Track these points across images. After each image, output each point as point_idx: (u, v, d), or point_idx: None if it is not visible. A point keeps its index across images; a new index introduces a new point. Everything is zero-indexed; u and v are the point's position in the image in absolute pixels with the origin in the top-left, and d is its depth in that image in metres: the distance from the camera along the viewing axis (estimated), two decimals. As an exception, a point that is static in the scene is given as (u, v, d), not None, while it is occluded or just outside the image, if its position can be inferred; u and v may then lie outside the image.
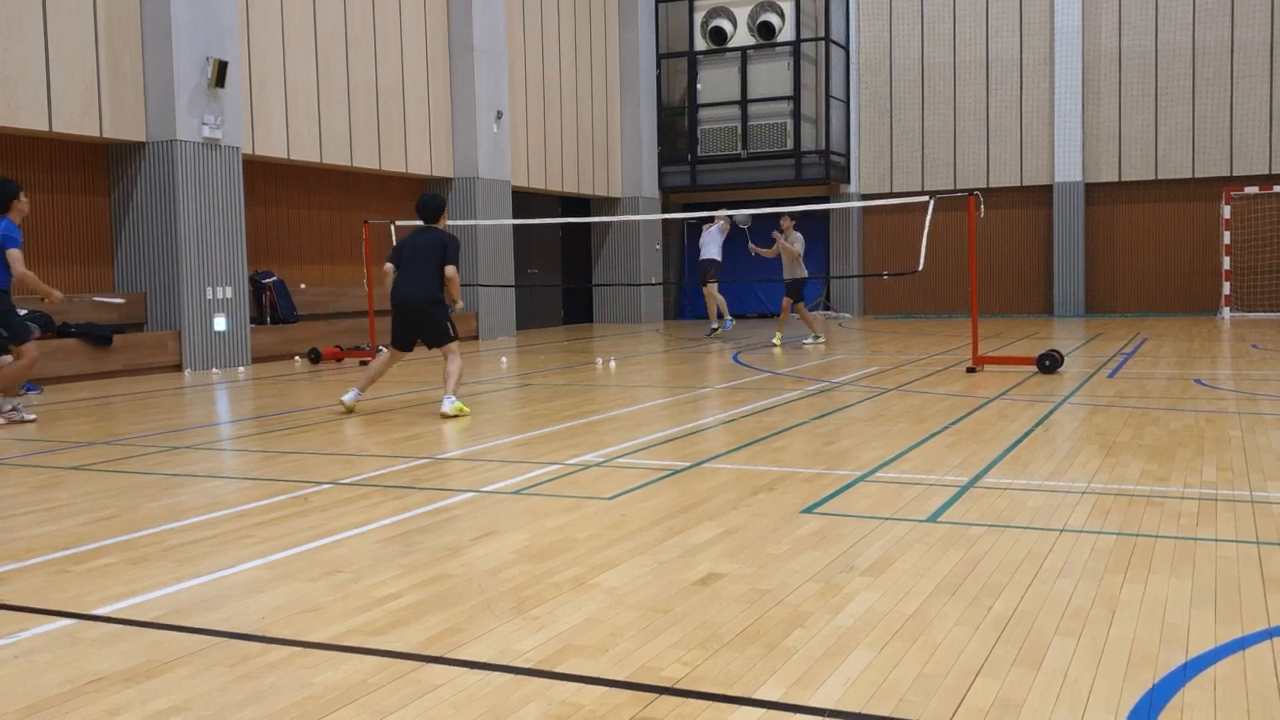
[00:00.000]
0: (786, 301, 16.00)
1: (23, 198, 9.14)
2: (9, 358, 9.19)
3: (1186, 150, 22.44)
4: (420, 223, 9.16)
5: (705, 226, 17.92)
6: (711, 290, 17.78)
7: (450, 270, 8.83)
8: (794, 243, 15.42)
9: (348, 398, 9.10)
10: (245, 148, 14.55)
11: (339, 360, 14.80)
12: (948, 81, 23.94)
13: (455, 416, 8.66)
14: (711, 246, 17.62)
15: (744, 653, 3.22)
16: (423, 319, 8.93)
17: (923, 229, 11.72)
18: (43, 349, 11.78)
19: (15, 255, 8.92)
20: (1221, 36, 22.03)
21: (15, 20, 11.95)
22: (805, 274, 15.64)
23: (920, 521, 4.81)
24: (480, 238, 18.92)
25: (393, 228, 15.48)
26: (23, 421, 9.05)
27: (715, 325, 17.86)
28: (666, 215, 17.37)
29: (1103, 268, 23.29)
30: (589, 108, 23.00)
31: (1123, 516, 4.84)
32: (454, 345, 9.00)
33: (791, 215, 15.51)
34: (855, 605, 3.65)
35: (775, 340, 16.12)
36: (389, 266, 9.11)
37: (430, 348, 9.14)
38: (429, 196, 9.16)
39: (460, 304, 9.38)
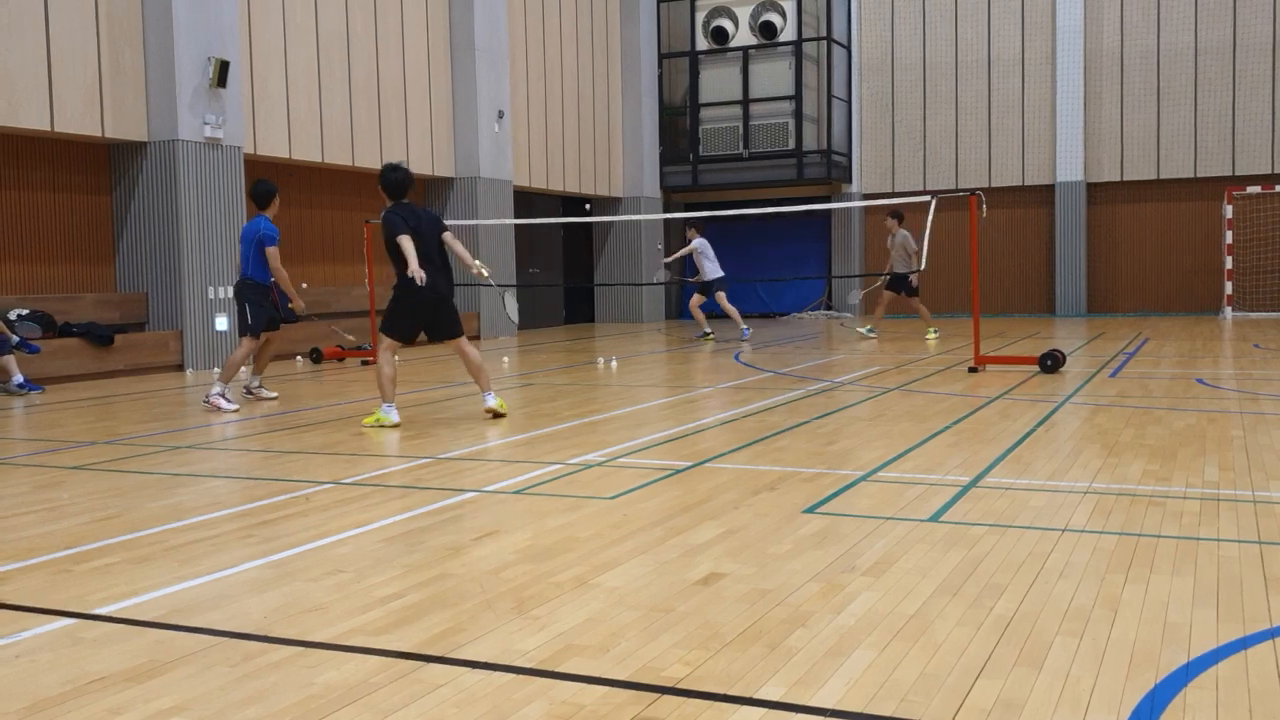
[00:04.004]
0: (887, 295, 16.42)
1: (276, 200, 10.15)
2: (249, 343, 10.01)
3: (1189, 150, 22.42)
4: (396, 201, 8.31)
5: (695, 243, 17.61)
6: (724, 301, 17.63)
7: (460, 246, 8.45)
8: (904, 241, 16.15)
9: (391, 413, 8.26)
10: (247, 147, 14.56)
11: (340, 360, 14.80)
12: (949, 81, 23.93)
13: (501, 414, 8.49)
14: (714, 264, 17.50)
15: (746, 652, 3.22)
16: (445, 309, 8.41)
17: (924, 229, 11.72)
18: (45, 348, 11.82)
19: (273, 252, 9.76)
20: (1224, 36, 22.01)
21: (16, 20, 11.96)
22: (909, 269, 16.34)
23: (922, 521, 4.81)
24: (482, 237, 18.92)
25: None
26: (265, 399, 10.16)
27: (746, 327, 17.60)
28: (668, 215, 17.36)
29: (1105, 267, 23.28)
30: (590, 107, 23.00)
31: (1125, 516, 4.84)
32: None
33: (896, 214, 16.22)
34: (857, 605, 3.64)
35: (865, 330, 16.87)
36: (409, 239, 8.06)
37: (438, 341, 8.64)
38: (402, 170, 8.31)
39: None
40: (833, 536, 4.58)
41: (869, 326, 16.85)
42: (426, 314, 8.31)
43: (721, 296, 17.51)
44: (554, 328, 22.60)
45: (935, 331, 16.52)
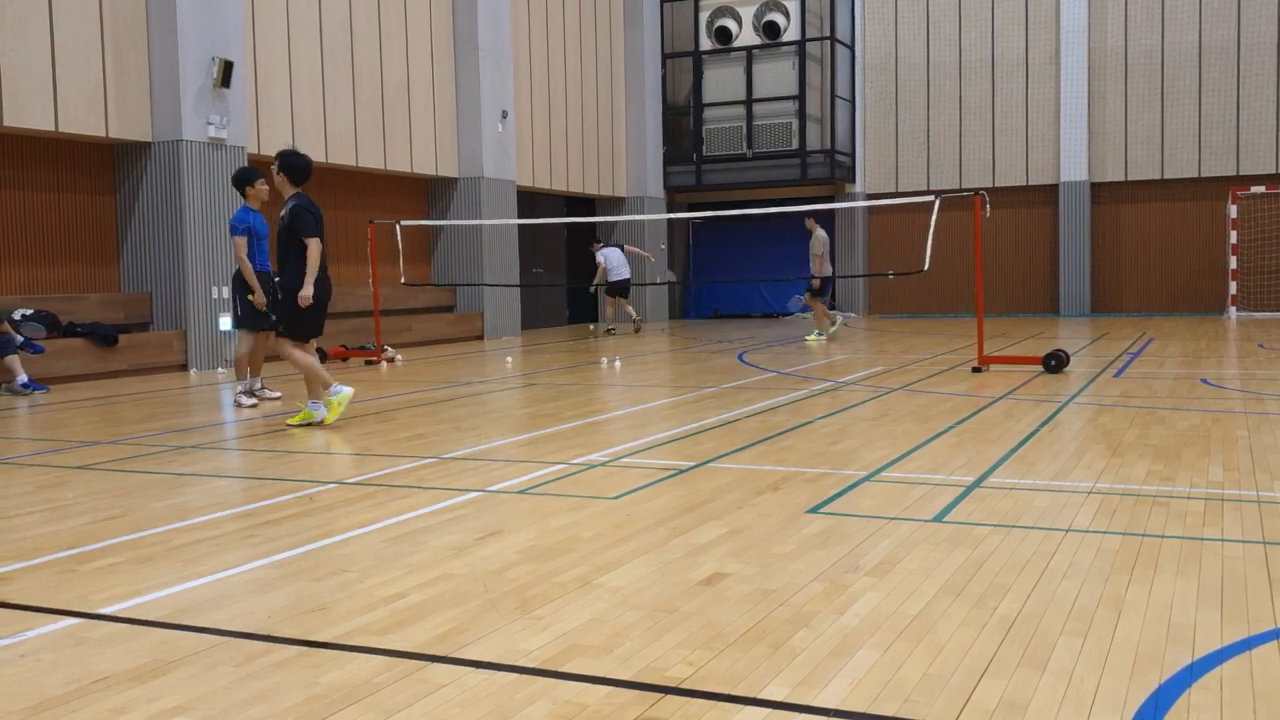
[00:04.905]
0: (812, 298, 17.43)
1: (259, 185, 9.83)
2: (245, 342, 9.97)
3: (1192, 150, 22.40)
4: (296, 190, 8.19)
5: (608, 250, 19.67)
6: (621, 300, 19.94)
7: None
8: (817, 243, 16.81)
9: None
10: (250, 147, 14.56)
11: (344, 359, 14.81)
12: (953, 81, 23.92)
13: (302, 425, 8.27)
14: (616, 270, 19.54)
15: (749, 652, 3.22)
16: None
17: (928, 228, 11.70)
18: (49, 348, 11.83)
19: (238, 242, 9.70)
20: (1228, 36, 21.99)
21: (21, 20, 11.97)
22: (827, 272, 17.08)
23: (925, 521, 4.80)
24: (485, 237, 18.94)
25: (398, 227, 15.48)
26: (269, 399, 10.10)
27: (613, 327, 20.03)
28: (672, 215, 17.38)
29: (1108, 267, 23.26)
30: (594, 107, 23.00)
31: (1129, 516, 4.83)
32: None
33: (813, 214, 16.95)
34: (860, 605, 3.64)
35: (810, 338, 17.36)
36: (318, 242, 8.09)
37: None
38: (307, 156, 8.23)
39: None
40: (836, 537, 4.58)
41: (842, 319, 17.53)
42: (323, 309, 8.34)
43: (623, 300, 19.75)
44: (557, 327, 22.60)
45: (818, 335, 17.12)
